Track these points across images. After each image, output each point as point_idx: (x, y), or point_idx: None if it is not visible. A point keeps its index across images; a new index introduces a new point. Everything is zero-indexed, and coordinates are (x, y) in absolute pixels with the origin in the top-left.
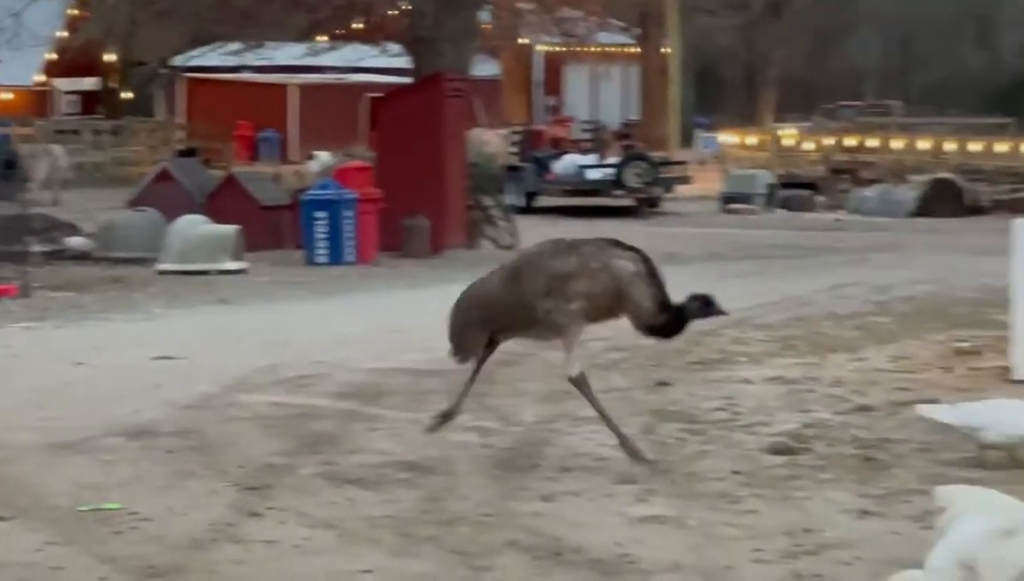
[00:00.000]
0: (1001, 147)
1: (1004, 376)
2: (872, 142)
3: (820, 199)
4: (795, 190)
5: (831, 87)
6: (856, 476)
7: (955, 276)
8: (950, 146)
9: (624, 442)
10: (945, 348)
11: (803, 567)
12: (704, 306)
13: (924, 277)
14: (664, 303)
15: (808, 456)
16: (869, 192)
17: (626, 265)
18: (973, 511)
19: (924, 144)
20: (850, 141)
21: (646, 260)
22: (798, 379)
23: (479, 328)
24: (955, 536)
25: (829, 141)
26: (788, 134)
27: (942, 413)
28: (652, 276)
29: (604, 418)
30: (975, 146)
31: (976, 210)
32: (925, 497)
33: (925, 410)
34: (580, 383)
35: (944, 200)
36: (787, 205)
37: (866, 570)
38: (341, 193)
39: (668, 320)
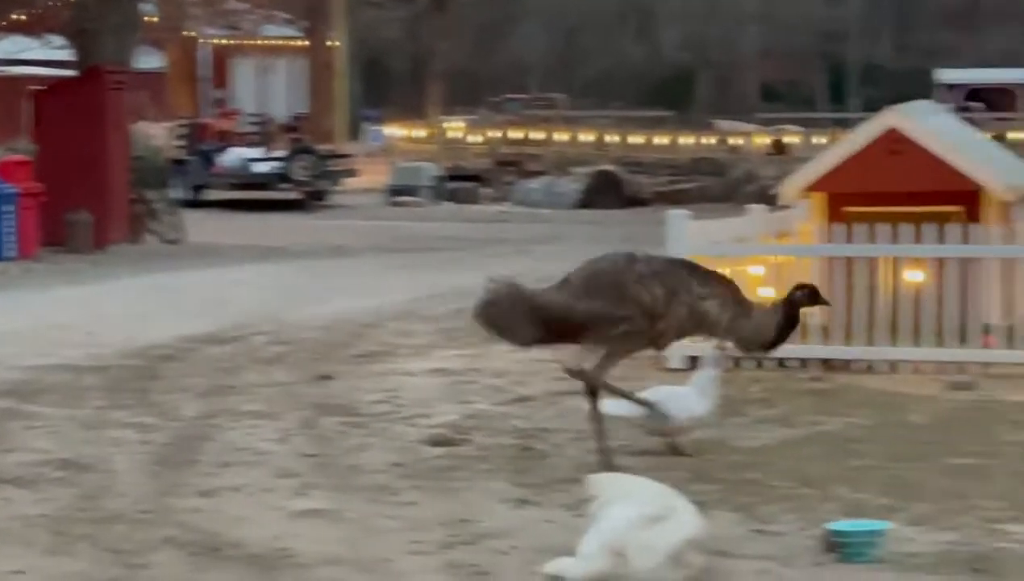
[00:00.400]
0: (661, 140)
1: (659, 365)
2: (537, 135)
3: (486, 191)
4: (461, 182)
5: (496, 80)
6: (514, 466)
7: None
8: (612, 139)
9: None
10: None
11: (459, 557)
12: (811, 295)
13: None
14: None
15: (467, 447)
16: (534, 184)
17: (711, 306)
18: (623, 498)
19: (587, 136)
20: (515, 134)
21: (729, 283)
22: (460, 371)
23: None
24: (605, 523)
25: (495, 134)
26: (454, 127)
27: (613, 407)
28: (741, 303)
29: (598, 432)
30: (636, 139)
31: (637, 201)
32: (580, 485)
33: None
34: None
35: (606, 192)
36: (454, 197)
37: (521, 559)
38: (0, 188)
39: (782, 321)
